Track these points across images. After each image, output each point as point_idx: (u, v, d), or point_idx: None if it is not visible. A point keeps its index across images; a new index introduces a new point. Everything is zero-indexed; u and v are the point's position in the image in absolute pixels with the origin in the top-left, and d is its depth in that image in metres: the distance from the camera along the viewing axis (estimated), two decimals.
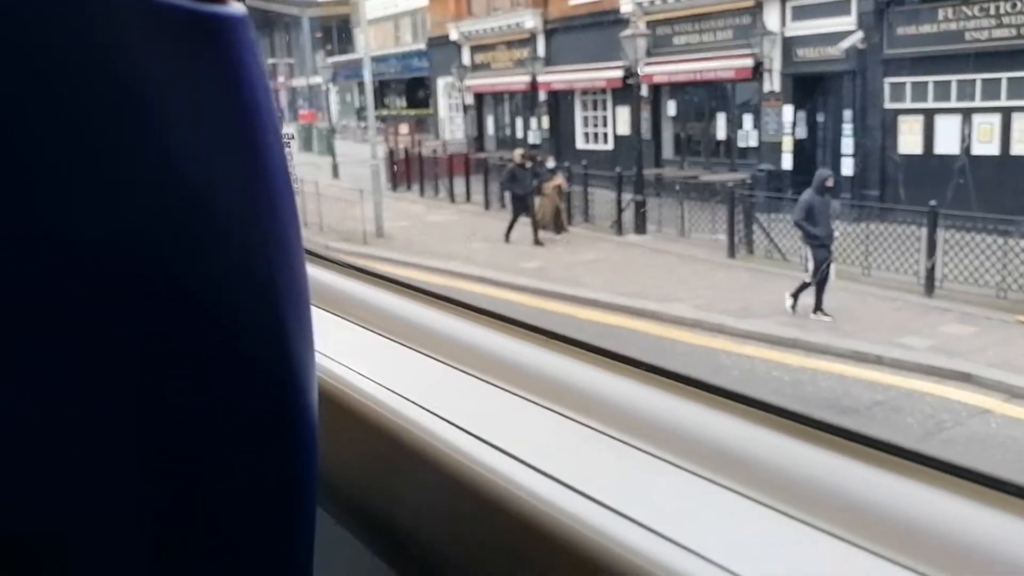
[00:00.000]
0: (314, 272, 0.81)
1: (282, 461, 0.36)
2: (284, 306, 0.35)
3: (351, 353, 0.68)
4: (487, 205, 14.93)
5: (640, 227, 12.35)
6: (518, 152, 13.52)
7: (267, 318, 0.34)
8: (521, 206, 12.44)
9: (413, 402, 0.59)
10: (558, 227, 12.46)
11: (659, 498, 0.46)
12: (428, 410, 0.57)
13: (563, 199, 12.87)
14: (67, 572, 0.32)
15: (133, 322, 0.30)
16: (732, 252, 10.76)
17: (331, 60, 25.57)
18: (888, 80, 12.42)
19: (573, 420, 0.55)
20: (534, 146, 17.78)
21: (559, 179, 12.93)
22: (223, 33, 0.32)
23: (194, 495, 0.34)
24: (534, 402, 0.58)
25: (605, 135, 17.26)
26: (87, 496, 0.31)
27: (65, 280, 0.29)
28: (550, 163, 13.65)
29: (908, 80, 12.22)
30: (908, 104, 12.30)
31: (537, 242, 11.97)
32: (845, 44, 12.49)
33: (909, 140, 12.28)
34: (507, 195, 13.45)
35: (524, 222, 12.28)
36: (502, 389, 0.60)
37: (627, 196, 12.61)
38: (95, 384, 0.30)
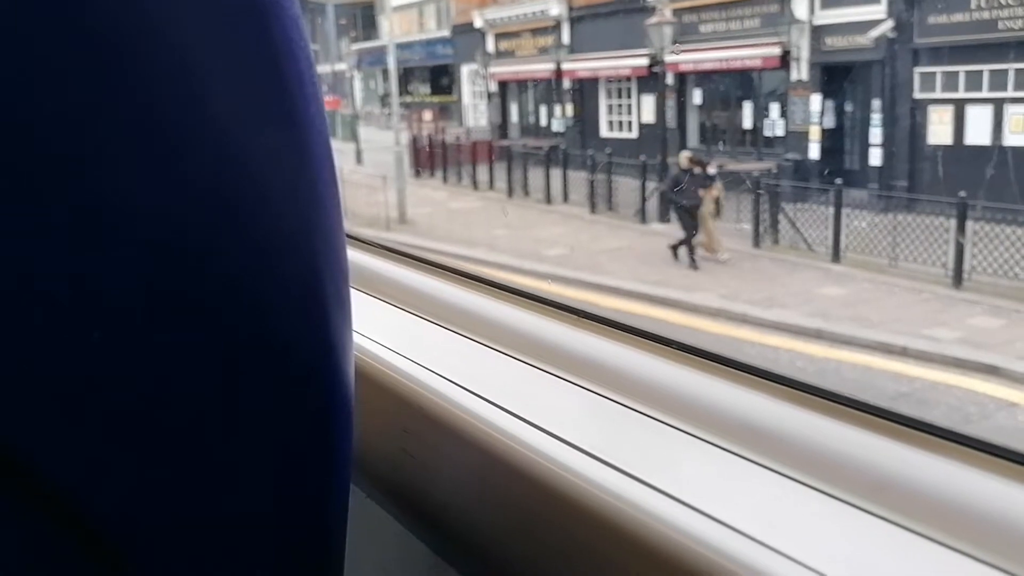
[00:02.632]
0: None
1: (319, 436, 0.37)
2: (324, 281, 0.36)
3: (382, 331, 0.69)
4: (510, 192, 14.92)
5: (664, 215, 12.29)
6: (684, 155, 11.22)
7: (308, 292, 0.35)
8: (689, 220, 10.14)
9: (443, 377, 0.60)
10: (710, 246, 9.99)
11: (689, 472, 0.46)
12: (460, 385, 0.58)
13: (719, 213, 10.44)
14: (129, 542, 0.33)
15: (178, 294, 0.31)
16: (757, 242, 10.68)
17: (355, 47, 25.59)
18: (918, 69, 12.25)
19: (603, 396, 0.55)
20: (558, 134, 17.72)
21: (717, 189, 10.59)
22: (268, 7, 0.32)
23: (231, 467, 0.34)
24: (564, 378, 0.58)
25: (630, 123, 17.15)
26: (126, 467, 0.32)
27: (116, 250, 0.29)
28: (711, 169, 11.02)
29: (939, 70, 12.05)
30: (938, 94, 12.13)
31: (693, 263, 9.67)
32: (874, 33, 12.33)
33: (939, 130, 12.11)
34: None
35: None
36: (533, 366, 0.61)
37: (651, 185, 12.55)
38: (140, 356, 0.31)
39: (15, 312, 0.28)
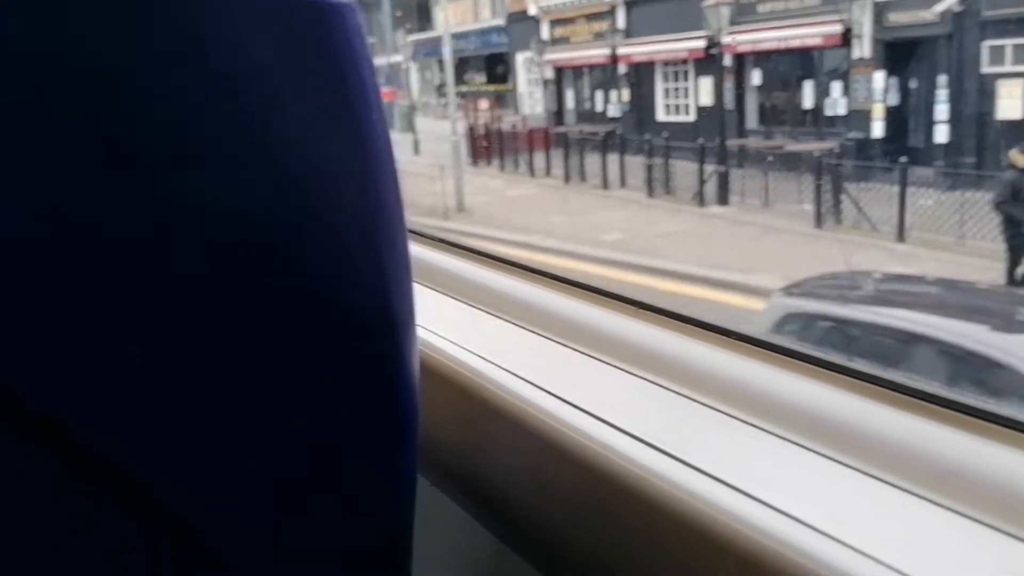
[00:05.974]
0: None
1: (388, 421, 0.38)
2: (389, 276, 0.37)
3: (444, 324, 0.70)
4: (567, 179, 14.89)
5: (723, 198, 12.14)
6: (1019, 152, 7.84)
7: (374, 287, 0.36)
8: (1021, 239, 7.35)
9: (505, 369, 0.61)
10: None
11: (750, 461, 0.47)
12: (520, 376, 0.59)
13: None
14: (195, 516, 0.34)
15: (252, 292, 0.33)
16: (819, 222, 10.49)
17: (411, 38, 25.75)
18: (986, 43, 11.86)
19: (662, 386, 0.56)
20: (613, 119, 17.59)
21: None
22: (332, 19, 0.34)
23: (306, 458, 0.36)
24: (623, 368, 0.59)
25: (687, 106, 16.95)
26: (212, 449, 0.34)
27: (201, 247, 0.31)
28: None
29: (1009, 42, 11.65)
30: (1008, 67, 11.73)
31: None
32: (940, 7, 11.96)
33: (1008, 105, 11.72)
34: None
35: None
36: (591, 356, 0.62)
37: (709, 168, 12.40)
38: (217, 343, 0.33)
39: (107, 299, 0.30)
